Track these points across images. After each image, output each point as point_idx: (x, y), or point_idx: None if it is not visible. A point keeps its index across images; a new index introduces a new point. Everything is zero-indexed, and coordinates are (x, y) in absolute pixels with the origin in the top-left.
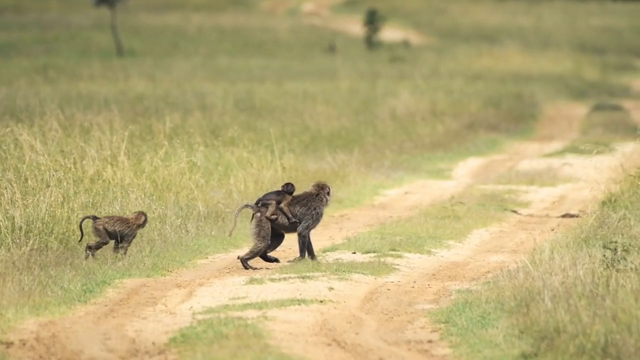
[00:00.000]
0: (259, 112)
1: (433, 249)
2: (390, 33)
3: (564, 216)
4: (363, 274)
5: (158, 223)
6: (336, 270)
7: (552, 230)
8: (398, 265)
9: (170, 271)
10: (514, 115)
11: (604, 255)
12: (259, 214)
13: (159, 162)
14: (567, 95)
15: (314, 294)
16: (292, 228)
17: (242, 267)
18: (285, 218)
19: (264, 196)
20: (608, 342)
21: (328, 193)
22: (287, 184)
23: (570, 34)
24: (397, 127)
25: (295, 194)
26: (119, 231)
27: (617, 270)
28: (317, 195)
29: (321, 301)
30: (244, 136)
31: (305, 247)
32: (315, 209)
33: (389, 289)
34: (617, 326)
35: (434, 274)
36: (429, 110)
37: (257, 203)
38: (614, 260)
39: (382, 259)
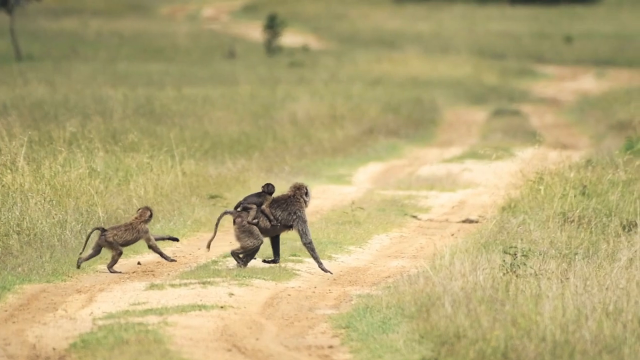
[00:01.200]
0: (159, 117)
1: (334, 254)
2: (290, 38)
3: (464, 221)
4: (264, 279)
5: (58, 229)
6: (237, 276)
7: (452, 235)
8: (299, 270)
9: (71, 277)
10: (413, 121)
11: (504, 261)
12: (239, 219)
13: (59, 168)
14: (467, 100)
15: (214, 300)
16: (273, 231)
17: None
18: (267, 221)
19: (245, 199)
20: (508, 347)
21: (306, 194)
22: (267, 185)
23: (469, 39)
24: (297, 132)
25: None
26: (131, 240)
27: (517, 276)
28: (293, 196)
29: (222, 307)
30: (144, 141)
31: (317, 254)
32: (295, 212)
33: (289, 294)
34: (517, 331)
35: (334, 279)
36: (328, 115)
37: (236, 207)
38: (513, 266)
39: (282, 265)
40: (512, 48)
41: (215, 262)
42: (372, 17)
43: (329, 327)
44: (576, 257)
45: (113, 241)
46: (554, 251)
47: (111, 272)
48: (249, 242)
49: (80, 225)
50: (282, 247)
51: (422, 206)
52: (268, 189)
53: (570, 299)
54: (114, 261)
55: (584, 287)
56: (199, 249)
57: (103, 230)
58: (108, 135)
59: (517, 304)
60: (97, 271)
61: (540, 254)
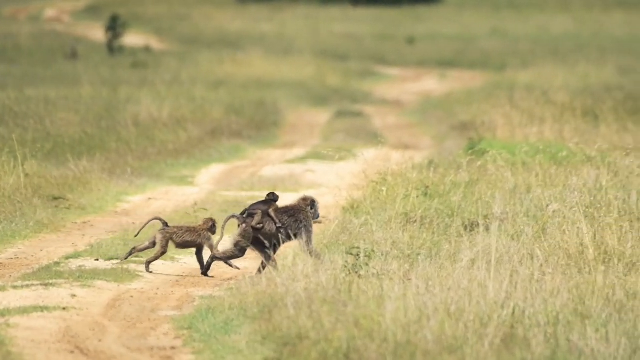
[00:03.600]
0: (1, 118)
1: (176, 255)
2: (132, 39)
3: None
4: (106, 280)
5: None
6: (79, 277)
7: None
8: (141, 272)
9: None
10: (256, 122)
11: (346, 261)
12: (244, 225)
13: None
14: (310, 102)
15: (56, 301)
16: (277, 236)
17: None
18: (273, 224)
19: (251, 206)
20: (350, 348)
21: (312, 205)
22: (271, 193)
23: (312, 40)
24: (140, 134)
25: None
26: (190, 241)
27: (359, 276)
28: (300, 207)
29: (64, 308)
30: None
31: (320, 259)
32: (302, 221)
33: (132, 296)
34: (359, 332)
35: (177, 281)
36: (171, 117)
37: (242, 213)
38: (356, 266)
39: (125, 266)
40: (355, 49)
41: (57, 263)
42: (215, 18)
43: (172, 329)
44: (419, 257)
45: (170, 238)
46: (396, 252)
47: (148, 271)
48: (235, 251)
49: None
50: (124, 249)
51: None
52: (273, 196)
53: (413, 300)
54: (156, 258)
55: (426, 288)
56: (42, 250)
57: (165, 224)
58: None
59: (360, 305)
60: None
61: (382, 255)
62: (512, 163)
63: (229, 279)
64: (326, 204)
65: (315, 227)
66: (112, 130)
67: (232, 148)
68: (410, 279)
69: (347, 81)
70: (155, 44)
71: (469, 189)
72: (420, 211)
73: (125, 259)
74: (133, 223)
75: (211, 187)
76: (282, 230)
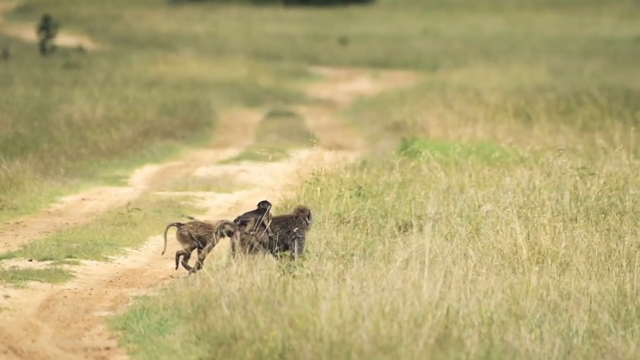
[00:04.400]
0: None
1: (110, 255)
2: (64, 39)
3: (240, 223)
4: (39, 281)
5: None
6: (12, 278)
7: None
8: (75, 272)
9: None
10: (189, 123)
11: (281, 262)
12: (238, 232)
13: None
14: (243, 102)
15: None
16: (269, 245)
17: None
18: (265, 232)
19: (244, 215)
20: (285, 348)
21: (308, 216)
22: (263, 202)
23: (245, 40)
24: (73, 134)
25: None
26: (201, 236)
27: (294, 277)
28: (296, 217)
29: None
30: None
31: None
32: (295, 233)
33: (65, 296)
34: (294, 332)
35: (111, 281)
36: (104, 117)
37: (235, 221)
38: (290, 267)
39: (58, 266)
40: (288, 50)
41: None
42: (148, 19)
43: (106, 329)
44: (353, 258)
45: (187, 234)
46: (330, 252)
47: (190, 272)
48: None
49: None
50: (57, 249)
51: (199, 207)
52: (264, 205)
53: (347, 300)
54: (187, 258)
55: (361, 288)
56: None
57: (179, 225)
58: None
59: (294, 305)
60: None
61: (316, 255)
62: (445, 163)
63: (163, 279)
64: None
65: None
66: (45, 130)
67: (166, 148)
68: (344, 279)
69: (280, 81)
70: (87, 44)
71: (402, 189)
72: (353, 212)
73: (197, 269)
74: (66, 223)
75: (145, 187)
76: (273, 237)
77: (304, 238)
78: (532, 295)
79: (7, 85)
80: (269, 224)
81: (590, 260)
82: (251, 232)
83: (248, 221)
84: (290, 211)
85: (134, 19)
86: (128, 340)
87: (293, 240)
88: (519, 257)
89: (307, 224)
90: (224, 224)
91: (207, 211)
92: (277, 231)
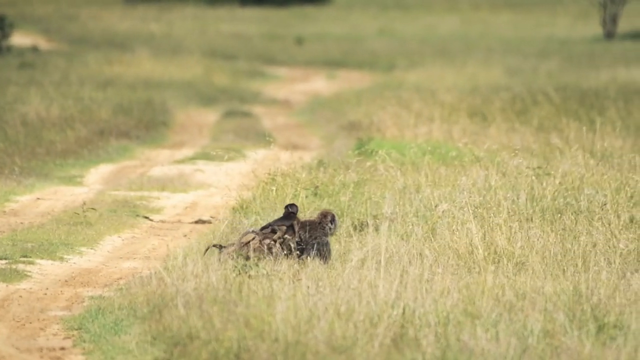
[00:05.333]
0: None
1: (65, 255)
2: (19, 39)
3: (196, 222)
4: None
5: None
6: None
7: (185, 236)
8: (30, 272)
9: None
10: (145, 122)
11: (236, 261)
12: (266, 240)
13: None
14: (198, 102)
15: None
16: (297, 250)
17: None
18: (293, 239)
19: (274, 222)
20: (241, 348)
21: (331, 221)
22: (291, 205)
23: (200, 40)
24: (28, 134)
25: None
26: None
27: (250, 277)
28: (319, 223)
29: None
30: None
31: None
32: (316, 237)
33: (20, 296)
34: (250, 332)
35: (66, 281)
36: (59, 117)
37: (263, 229)
38: (246, 266)
39: (13, 266)
40: (243, 49)
41: None
42: (103, 19)
43: (61, 329)
44: (308, 257)
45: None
46: (285, 251)
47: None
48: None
49: None
50: (12, 249)
51: (154, 207)
52: (293, 209)
53: (303, 300)
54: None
55: (316, 288)
56: None
57: (221, 247)
58: None
59: (250, 305)
60: None
61: (272, 255)
62: (401, 163)
63: (118, 279)
64: (215, 204)
65: (204, 227)
66: (0, 130)
67: (121, 148)
68: (300, 279)
69: (235, 81)
70: (43, 44)
71: (358, 189)
72: (309, 211)
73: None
74: (21, 223)
75: (100, 187)
76: (302, 245)
77: (325, 243)
78: (487, 295)
79: None
80: (297, 228)
81: (546, 260)
82: (279, 240)
83: (279, 229)
84: (313, 215)
85: (90, 18)
86: (83, 340)
87: (312, 245)
88: (474, 256)
89: (330, 228)
90: (246, 232)
91: (162, 211)
92: (302, 236)
